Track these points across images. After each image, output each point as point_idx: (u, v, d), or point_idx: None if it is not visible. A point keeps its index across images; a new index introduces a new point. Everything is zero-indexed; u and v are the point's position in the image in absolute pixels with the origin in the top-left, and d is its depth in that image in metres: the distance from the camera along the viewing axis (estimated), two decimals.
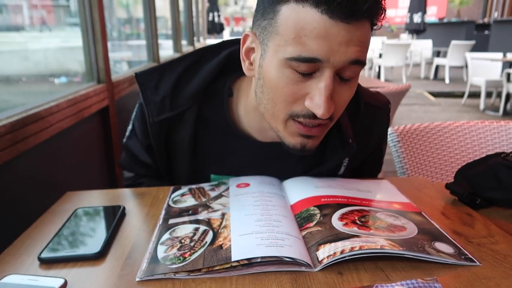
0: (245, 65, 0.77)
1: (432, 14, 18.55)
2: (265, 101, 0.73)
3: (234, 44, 0.87)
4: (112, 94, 1.56)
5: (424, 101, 6.77)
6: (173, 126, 0.86)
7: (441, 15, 17.83)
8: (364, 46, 0.65)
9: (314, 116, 0.68)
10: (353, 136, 0.85)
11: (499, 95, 6.16)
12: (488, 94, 6.33)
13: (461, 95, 6.87)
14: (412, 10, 11.60)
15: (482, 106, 6.10)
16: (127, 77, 1.95)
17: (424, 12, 11.60)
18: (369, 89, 0.95)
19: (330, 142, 0.86)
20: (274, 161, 0.89)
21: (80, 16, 1.39)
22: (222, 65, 0.86)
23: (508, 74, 5.54)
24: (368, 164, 0.98)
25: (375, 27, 0.68)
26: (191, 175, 0.90)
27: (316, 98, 0.66)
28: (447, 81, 8.48)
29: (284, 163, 0.89)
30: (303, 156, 0.87)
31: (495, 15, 13.05)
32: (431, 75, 9.24)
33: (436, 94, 7.32)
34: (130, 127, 0.96)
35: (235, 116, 0.87)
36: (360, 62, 0.66)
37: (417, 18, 11.57)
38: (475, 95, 6.63)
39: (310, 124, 0.70)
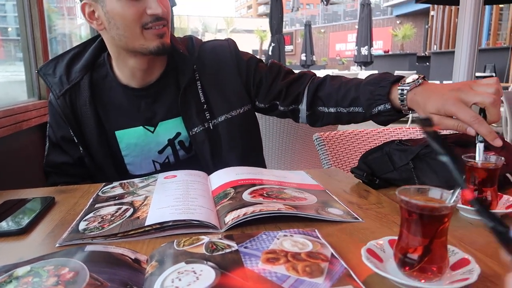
0: (94, 25, 1.01)
1: (379, 48, 19.76)
2: (123, 32, 0.97)
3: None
4: None
5: (374, 127, 7.13)
6: (74, 96, 1.08)
7: (386, 48, 19.02)
8: None
9: (157, 19, 0.96)
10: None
11: None
12: None
13: (406, 121, 7.30)
14: (359, 44, 12.36)
15: None
16: None
17: (371, 45, 12.38)
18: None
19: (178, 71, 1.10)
20: (152, 103, 1.09)
21: (21, 32, 1.43)
22: (100, 48, 1.11)
23: None
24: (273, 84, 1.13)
25: None
26: (100, 137, 1.07)
27: (153, 4, 0.95)
28: None
29: (160, 103, 1.09)
30: (177, 91, 1.08)
31: (434, 48, 14.10)
32: None
33: None
34: (47, 144, 1.14)
35: (114, 75, 1.10)
36: None
37: (364, 51, 12.32)
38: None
39: (158, 26, 0.97)
